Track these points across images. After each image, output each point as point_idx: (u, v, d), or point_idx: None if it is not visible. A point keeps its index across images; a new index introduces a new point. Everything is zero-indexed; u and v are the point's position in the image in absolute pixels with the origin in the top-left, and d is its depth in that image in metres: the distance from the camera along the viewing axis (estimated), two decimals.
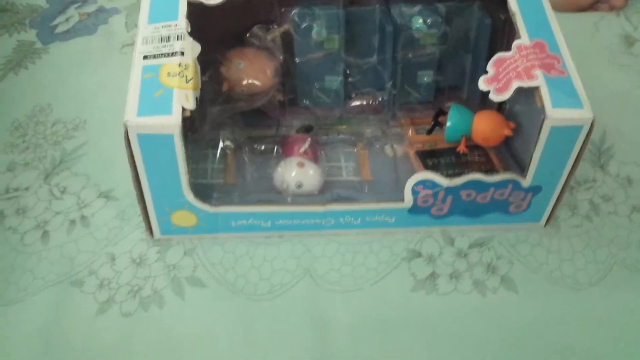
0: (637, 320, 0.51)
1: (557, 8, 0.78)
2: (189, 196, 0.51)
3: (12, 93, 0.68)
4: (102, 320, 0.50)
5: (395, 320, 0.51)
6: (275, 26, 0.58)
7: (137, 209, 0.53)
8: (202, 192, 0.52)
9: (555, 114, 0.47)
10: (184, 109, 0.46)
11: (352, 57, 0.60)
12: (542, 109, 0.47)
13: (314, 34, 0.57)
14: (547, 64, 0.49)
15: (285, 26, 0.58)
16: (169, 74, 0.48)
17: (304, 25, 0.57)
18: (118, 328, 0.50)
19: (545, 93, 0.48)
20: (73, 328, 0.50)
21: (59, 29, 0.77)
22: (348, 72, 0.61)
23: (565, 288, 0.53)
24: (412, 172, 0.54)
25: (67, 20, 0.78)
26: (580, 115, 0.47)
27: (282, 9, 0.58)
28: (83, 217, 0.57)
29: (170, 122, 0.46)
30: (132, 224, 0.56)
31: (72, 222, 0.56)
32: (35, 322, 0.50)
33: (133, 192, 0.51)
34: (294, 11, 0.57)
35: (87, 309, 0.51)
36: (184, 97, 0.47)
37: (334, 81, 0.61)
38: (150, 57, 0.49)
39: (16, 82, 0.69)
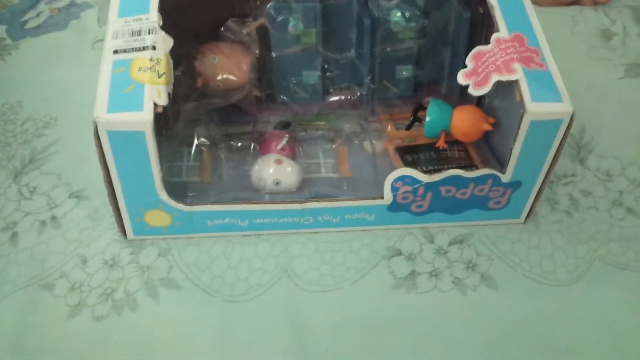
0: (618, 316, 0.51)
1: (541, 3, 0.78)
2: (163, 195, 0.49)
3: None
4: (74, 324, 0.49)
5: (375, 320, 0.50)
6: (251, 20, 0.57)
7: (110, 208, 0.51)
8: (178, 190, 0.51)
9: (535, 108, 0.46)
10: (156, 105, 0.45)
11: (330, 51, 0.59)
12: (522, 103, 0.47)
13: (290, 27, 0.56)
14: (526, 57, 0.49)
15: (261, 20, 0.56)
16: (140, 68, 0.47)
17: (280, 18, 0.56)
18: (90, 332, 0.48)
19: (524, 87, 0.47)
20: (44, 333, 0.48)
21: (29, 25, 0.75)
22: (326, 66, 0.60)
23: (545, 285, 0.52)
24: (392, 168, 0.53)
25: (37, 15, 0.76)
26: (560, 109, 0.47)
27: (258, 2, 0.56)
28: (54, 218, 0.55)
29: (142, 119, 0.44)
30: (105, 224, 0.54)
31: (42, 222, 0.55)
32: (5, 327, 0.48)
33: (105, 192, 0.49)
34: (269, 4, 0.55)
35: (58, 313, 0.49)
36: (156, 93, 0.46)
37: (312, 76, 0.60)
38: (120, 52, 0.48)
39: None
